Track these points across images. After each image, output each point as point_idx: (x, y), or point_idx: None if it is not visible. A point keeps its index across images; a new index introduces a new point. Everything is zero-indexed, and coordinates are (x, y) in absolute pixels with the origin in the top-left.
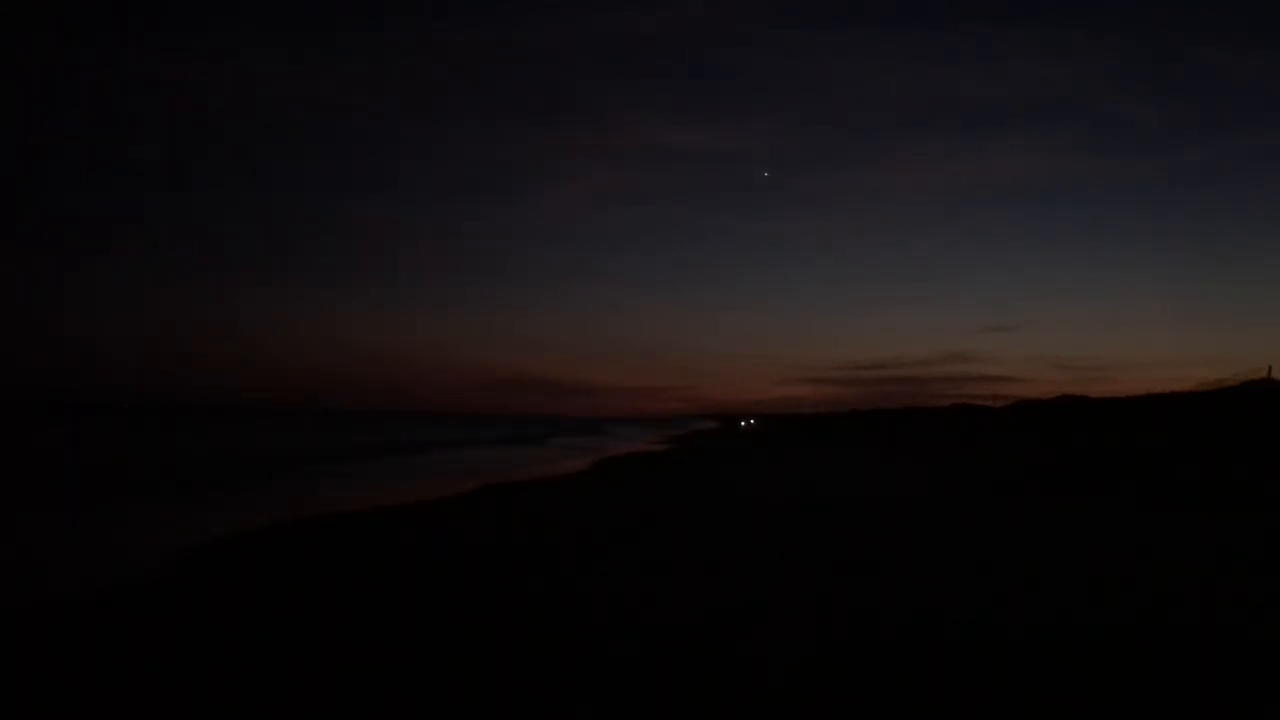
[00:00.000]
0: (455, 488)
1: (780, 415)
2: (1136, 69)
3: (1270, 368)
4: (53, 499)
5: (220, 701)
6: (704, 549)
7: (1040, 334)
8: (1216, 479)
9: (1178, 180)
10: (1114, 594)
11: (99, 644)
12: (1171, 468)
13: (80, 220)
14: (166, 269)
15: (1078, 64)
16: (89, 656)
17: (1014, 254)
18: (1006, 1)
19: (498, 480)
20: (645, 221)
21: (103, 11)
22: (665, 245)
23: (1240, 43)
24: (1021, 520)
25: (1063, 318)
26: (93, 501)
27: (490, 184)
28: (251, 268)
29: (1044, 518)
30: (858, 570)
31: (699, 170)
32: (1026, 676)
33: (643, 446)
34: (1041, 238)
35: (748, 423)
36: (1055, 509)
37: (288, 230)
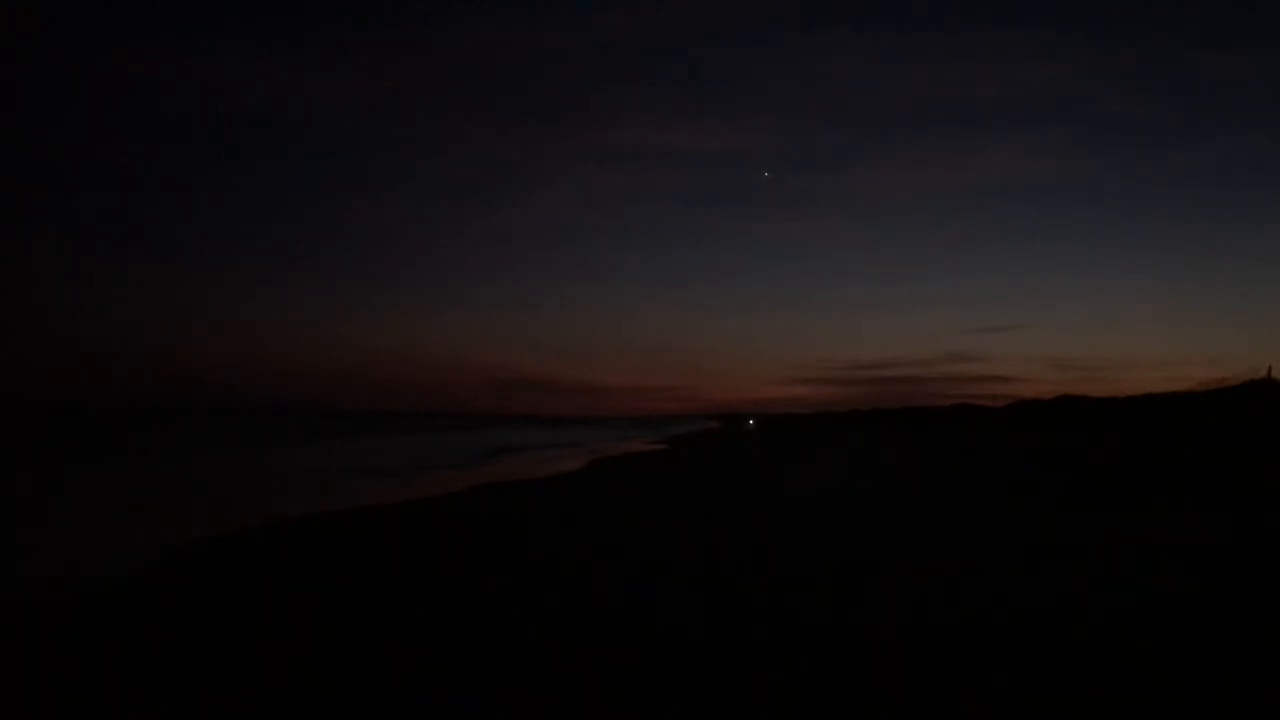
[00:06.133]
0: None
1: (781, 415)
2: (1136, 69)
3: (1270, 368)
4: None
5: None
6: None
7: (1040, 334)
8: (1216, 478)
9: (1178, 180)
10: (1114, 593)
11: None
12: (1171, 467)
13: (82, 222)
14: (167, 271)
15: (1077, 64)
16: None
17: (1014, 254)
18: (1006, 2)
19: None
20: (645, 221)
21: (105, 12)
22: (665, 245)
23: (1239, 44)
24: (1019, 519)
25: (1063, 318)
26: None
27: (491, 184)
28: (252, 268)
29: (1041, 517)
30: (860, 570)
31: (699, 170)
32: (1019, 674)
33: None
34: (1041, 238)
35: (748, 424)
36: (1054, 509)
37: (289, 231)
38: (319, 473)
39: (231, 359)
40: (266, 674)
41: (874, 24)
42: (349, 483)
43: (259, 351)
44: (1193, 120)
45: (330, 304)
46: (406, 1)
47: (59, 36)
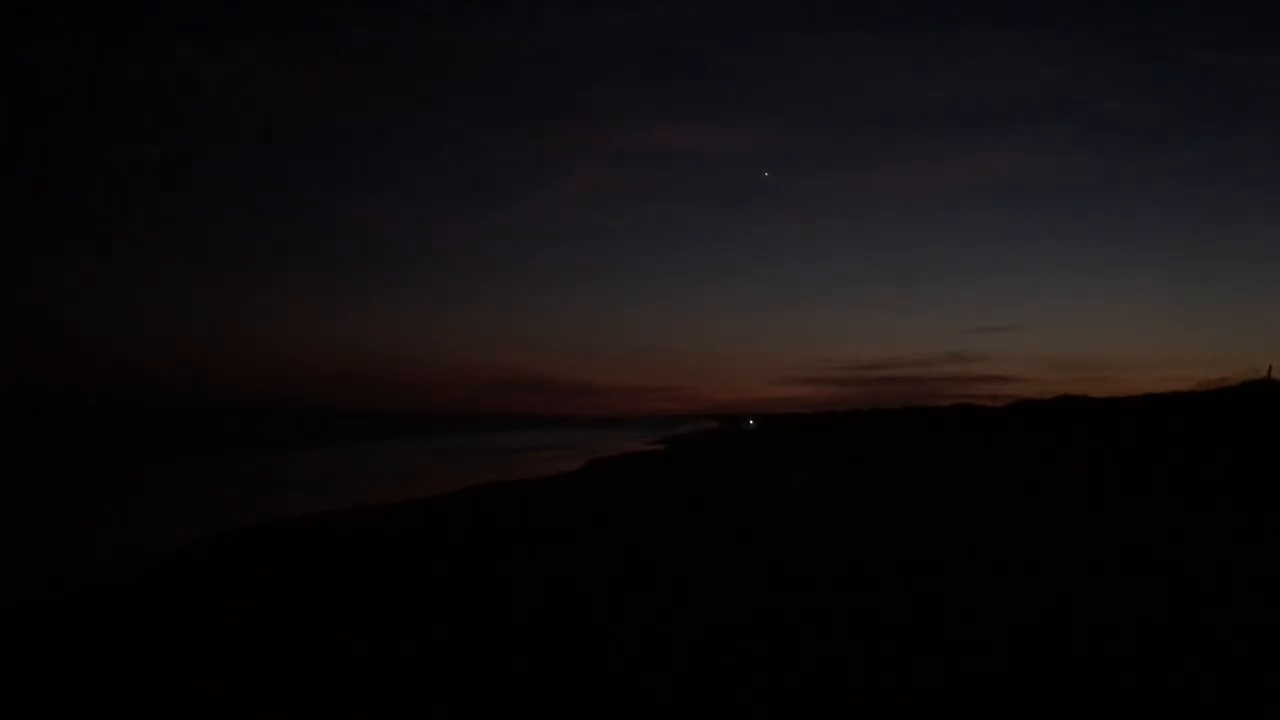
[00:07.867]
0: None
1: (781, 415)
2: (1136, 69)
3: (1270, 368)
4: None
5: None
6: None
7: (1040, 334)
8: (1216, 478)
9: (1177, 180)
10: (1113, 593)
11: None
12: (1172, 467)
13: (81, 221)
14: (167, 271)
15: (1075, 64)
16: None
17: (1014, 254)
18: (1004, 3)
19: None
20: (645, 221)
21: (103, 11)
22: (665, 245)
23: (1239, 44)
24: (1019, 519)
25: (1063, 318)
26: None
27: (490, 184)
28: (251, 268)
29: (1041, 517)
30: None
31: (699, 170)
32: (1020, 674)
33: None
34: (1041, 238)
35: (748, 423)
36: (1055, 509)
37: (287, 231)
38: (320, 475)
39: (231, 359)
40: (266, 673)
41: (874, 24)
42: (350, 484)
43: (259, 351)
44: (1193, 120)
45: (330, 304)
46: (406, 2)
47: (59, 36)
